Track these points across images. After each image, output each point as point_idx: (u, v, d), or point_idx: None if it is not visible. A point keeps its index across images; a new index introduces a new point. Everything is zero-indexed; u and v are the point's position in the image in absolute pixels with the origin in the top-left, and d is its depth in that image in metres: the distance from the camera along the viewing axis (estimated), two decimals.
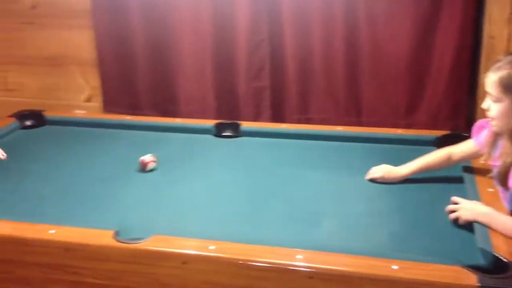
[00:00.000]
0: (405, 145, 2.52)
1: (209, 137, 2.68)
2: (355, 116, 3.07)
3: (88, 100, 3.48)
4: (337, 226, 1.87)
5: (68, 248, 1.70)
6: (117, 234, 1.71)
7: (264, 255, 1.61)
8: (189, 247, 1.66)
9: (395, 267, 1.52)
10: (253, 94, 3.16)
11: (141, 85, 3.29)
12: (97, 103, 3.47)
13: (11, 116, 2.85)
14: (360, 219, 1.91)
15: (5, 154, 2.34)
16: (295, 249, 1.62)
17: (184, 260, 1.64)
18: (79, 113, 3.01)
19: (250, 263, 1.60)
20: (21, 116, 2.84)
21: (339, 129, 2.66)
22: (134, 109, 3.32)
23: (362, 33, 2.91)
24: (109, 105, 3.40)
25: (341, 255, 1.60)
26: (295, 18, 2.96)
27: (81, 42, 3.37)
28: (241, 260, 1.60)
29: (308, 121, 3.13)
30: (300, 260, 1.58)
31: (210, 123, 2.74)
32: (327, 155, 2.47)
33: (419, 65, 2.88)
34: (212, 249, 1.64)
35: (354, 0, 2.88)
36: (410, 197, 2.06)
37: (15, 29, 3.44)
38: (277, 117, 3.18)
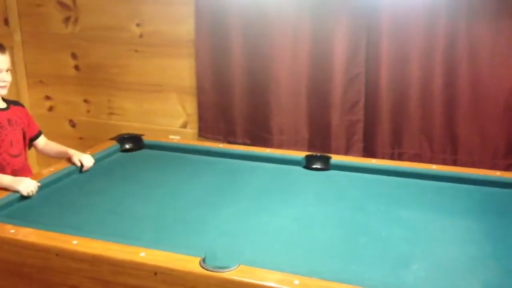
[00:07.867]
0: (503, 188, 2.39)
1: (299, 168, 2.68)
2: (451, 154, 2.97)
3: (184, 126, 3.61)
4: (426, 269, 1.79)
5: (156, 272, 1.74)
6: (203, 261, 1.74)
7: None
8: (273, 280, 1.66)
9: None
10: (346, 127, 3.13)
11: (236, 114, 3.37)
12: (191, 129, 3.59)
13: (112, 139, 2.98)
14: (451, 264, 1.82)
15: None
16: None
17: None
18: (174, 139, 3.12)
19: None
20: (121, 139, 2.96)
21: (434, 168, 2.57)
22: (228, 136, 3.41)
23: (462, 69, 2.84)
24: (204, 131, 3.50)
25: None
26: (393, 52, 2.93)
27: (181, 70, 3.52)
28: None
29: (400, 156, 3.06)
30: None
31: (300, 154, 2.74)
32: (419, 194, 2.39)
33: None
34: (296, 284, 1.63)
35: (455, 36, 2.81)
36: (509, 243, 1.95)
37: (122, 56, 3.64)
38: (369, 151, 3.14)
